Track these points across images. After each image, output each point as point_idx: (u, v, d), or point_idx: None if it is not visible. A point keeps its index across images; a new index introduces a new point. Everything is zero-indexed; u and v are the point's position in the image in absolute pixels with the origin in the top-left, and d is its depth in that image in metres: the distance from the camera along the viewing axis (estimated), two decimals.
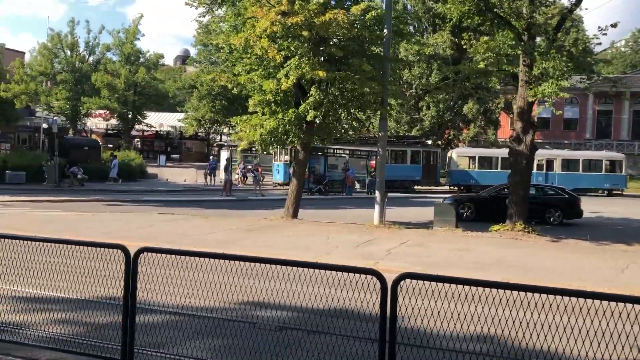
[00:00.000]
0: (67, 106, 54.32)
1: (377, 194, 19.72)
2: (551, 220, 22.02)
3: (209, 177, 38.01)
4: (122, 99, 54.12)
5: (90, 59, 57.26)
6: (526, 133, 17.71)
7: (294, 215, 20.16)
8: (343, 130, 19.63)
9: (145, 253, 5.33)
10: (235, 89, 19.62)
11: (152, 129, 61.48)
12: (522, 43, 16.90)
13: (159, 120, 61.95)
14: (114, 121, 59.18)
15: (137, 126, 58.97)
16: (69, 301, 7.16)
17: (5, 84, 55.51)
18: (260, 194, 31.20)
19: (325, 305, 5.91)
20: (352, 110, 18.49)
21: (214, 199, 28.79)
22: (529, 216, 21.45)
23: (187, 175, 41.73)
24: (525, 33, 17.07)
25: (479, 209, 22.05)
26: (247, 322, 7.32)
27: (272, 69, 18.89)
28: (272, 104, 18.97)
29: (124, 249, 5.32)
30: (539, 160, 39.61)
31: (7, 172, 32.22)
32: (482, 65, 18.06)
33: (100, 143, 48.37)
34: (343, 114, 18.26)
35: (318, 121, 19.01)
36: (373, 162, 36.05)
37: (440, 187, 41.63)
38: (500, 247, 14.90)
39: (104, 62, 57.30)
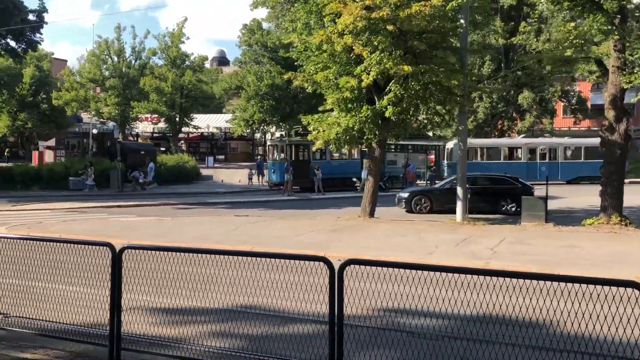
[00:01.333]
0: (117, 111, 55.04)
1: (459, 189, 19.13)
2: (506, 210, 21.79)
3: (255, 177, 38.22)
4: (170, 102, 54.61)
5: (137, 63, 57.86)
6: (619, 121, 16.87)
7: (371, 214, 19.74)
8: (421, 126, 19.05)
9: (350, 266, 4.96)
10: (310, 87, 19.24)
11: (199, 130, 61.86)
12: (615, 27, 16.06)
13: (205, 122, 62.32)
14: (161, 124, 59.74)
15: (183, 128, 59.42)
16: (227, 312, 6.90)
17: (57, 91, 56.73)
18: (322, 193, 30.86)
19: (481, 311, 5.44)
20: (432, 105, 17.92)
21: (277, 199, 28.61)
22: (481, 207, 21.53)
23: (240, 175, 41.80)
24: (618, 16, 16.22)
25: (434, 202, 22.05)
26: (403, 331, 6.95)
27: (346, 66, 18.55)
28: (348, 102, 18.60)
29: (326, 261, 4.96)
30: (541, 149, 38.49)
31: (70, 178, 32.70)
32: (569, 53, 17.27)
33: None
34: (423, 109, 17.71)
35: (394, 117, 18.51)
36: (432, 157, 35.42)
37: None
38: (609, 242, 14.19)
39: (150, 66, 57.85)
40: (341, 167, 35.07)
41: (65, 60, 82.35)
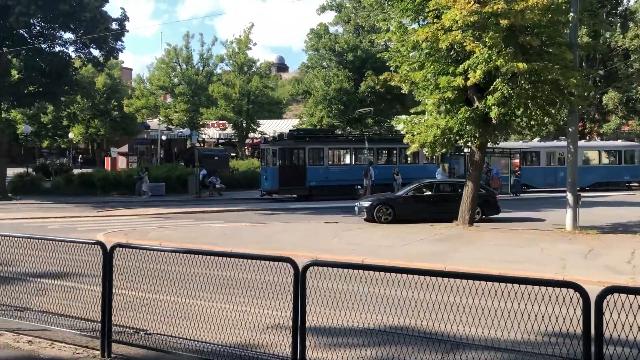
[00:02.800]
0: (186, 118, 55.76)
1: (569, 195, 17.78)
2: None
3: None
4: (237, 109, 54.85)
5: (204, 70, 58.52)
6: None
7: (470, 222, 18.64)
8: (529, 128, 17.84)
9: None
10: (406, 88, 18.37)
11: (265, 136, 61.98)
12: None
13: (271, 128, 62.33)
14: (229, 130, 60.18)
15: (249, 134, 59.65)
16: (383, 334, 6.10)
17: (128, 99, 58.09)
18: None
19: None
20: (542, 105, 16.68)
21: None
22: (444, 216, 19.95)
23: None
24: None
25: (396, 211, 20.74)
26: None
27: (443, 65, 17.59)
28: (448, 102, 17.63)
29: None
30: (560, 154, 35.70)
31: (148, 184, 32.95)
32: None
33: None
34: (533, 110, 16.50)
35: (495, 119, 17.37)
36: (517, 161, 33.81)
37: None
38: None
39: (218, 73, 58.43)
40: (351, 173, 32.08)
41: (130, 69, 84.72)
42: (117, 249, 6.14)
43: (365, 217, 20.95)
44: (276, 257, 5.37)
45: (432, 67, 17.56)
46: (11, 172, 32.95)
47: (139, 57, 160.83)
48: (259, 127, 58.29)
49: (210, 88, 54.17)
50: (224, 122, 58.73)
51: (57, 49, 29.56)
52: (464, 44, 15.15)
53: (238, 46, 56.47)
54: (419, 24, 18.82)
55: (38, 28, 29.01)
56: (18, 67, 31.80)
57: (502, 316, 4.84)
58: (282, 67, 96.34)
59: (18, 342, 6.72)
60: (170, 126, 58.48)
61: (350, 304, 5.98)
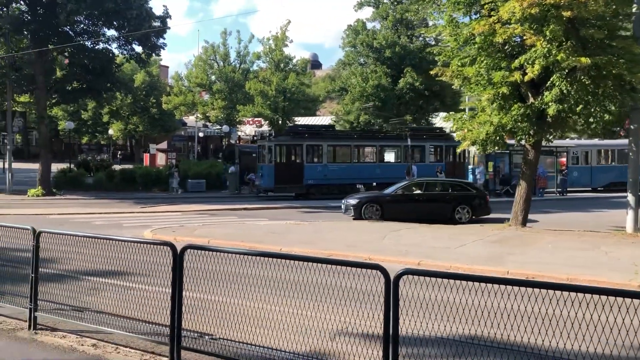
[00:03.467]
0: (223, 115, 55.92)
1: (630, 196, 16.97)
2: (460, 218, 20.33)
3: None
4: (273, 106, 54.74)
5: (241, 67, 58.59)
6: None
7: (523, 222, 17.96)
8: (587, 125, 17.05)
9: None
10: (457, 83, 17.80)
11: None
12: None
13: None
14: (265, 127, 60.18)
15: None
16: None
17: (166, 96, 58.59)
18: None
19: None
20: (604, 102, 15.89)
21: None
22: (433, 216, 19.89)
23: None
24: None
25: (385, 209, 20.29)
26: None
27: (496, 60, 16.96)
28: (502, 98, 17.00)
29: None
30: (573, 153, 34.25)
31: (188, 180, 33.04)
32: None
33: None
34: (593, 107, 15.73)
35: (552, 116, 16.64)
36: (563, 160, 32.75)
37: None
38: None
39: (255, 70, 58.46)
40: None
41: (167, 67, 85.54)
42: (188, 250, 5.83)
43: (352, 215, 20.48)
44: (365, 263, 4.94)
45: (485, 62, 16.94)
46: (53, 167, 33.39)
47: (174, 54, 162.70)
48: (294, 124, 58.10)
49: (247, 85, 54.20)
50: (260, 119, 58.75)
51: (101, 46, 29.79)
52: (524, 38, 14.51)
53: (275, 43, 56.33)
54: (470, 18, 18.19)
55: (82, 25, 29.26)
56: (61, 64, 32.26)
57: (595, 329, 4.36)
58: (315, 64, 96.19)
59: (82, 345, 6.51)
60: (208, 123, 58.78)
61: (435, 313, 5.55)
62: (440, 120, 55.23)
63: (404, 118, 46.34)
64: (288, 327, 5.79)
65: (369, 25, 53.39)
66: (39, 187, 28.74)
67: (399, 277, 4.67)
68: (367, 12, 55.02)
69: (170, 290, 5.92)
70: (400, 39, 49.55)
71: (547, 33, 14.37)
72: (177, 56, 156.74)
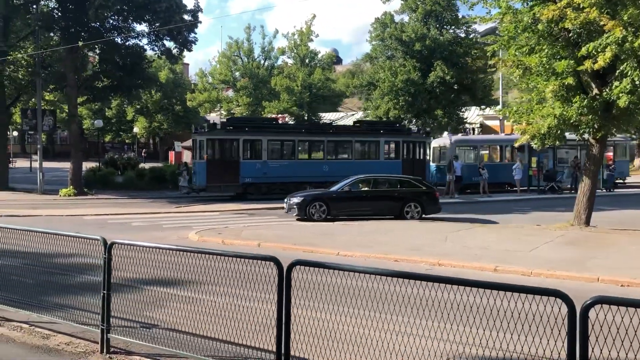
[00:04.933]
0: (248, 112, 55.19)
1: None
2: (409, 216, 19.40)
3: None
4: (299, 101, 53.93)
5: (266, 63, 57.81)
6: None
7: (587, 222, 16.84)
8: None
9: None
10: (517, 73, 16.72)
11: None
12: None
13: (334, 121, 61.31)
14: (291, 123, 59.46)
15: None
16: None
17: (191, 93, 58.06)
18: (487, 195, 28.11)
19: None
20: None
21: (444, 201, 26.18)
22: (383, 212, 19.37)
23: None
24: None
25: (331, 207, 19.27)
26: None
27: (557, 48, 15.87)
28: (565, 90, 15.90)
29: None
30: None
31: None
32: None
33: None
34: None
35: (620, 109, 15.49)
36: (610, 154, 31.43)
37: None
38: None
39: (280, 66, 57.69)
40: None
41: (187, 64, 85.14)
42: (297, 267, 4.95)
43: (296, 214, 19.36)
44: (544, 290, 3.96)
45: (546, 50, 15.85)
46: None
47: (192, 52, 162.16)
48: (320, 120, 57.23)
49: (272, 81, 53.45)
50: (285, 115, 57.96)
51: (131, 42, 29.17)
52: (602, 24, 13.39)
53: (300, 38, 55.49)
54: (528, 4, 17.09)
55: (112, 21, 28.65)
56: (85, 61, 31.70)
57: None
58: (336, 59, 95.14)
59: None
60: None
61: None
62: (473, 114, 54.33)
63: (436, 113, 45.21)
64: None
65: (397, 18, 52.30)
66: (70, 186, 28.24)
67: (590, 306, 3.71)
68: (395, 4, 53.81)
69: (274, 310, 5.06)
70: (430, 31, 48.37)
71: (625, 17, 13.26)
72: (195, 54, 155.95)
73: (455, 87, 47.67)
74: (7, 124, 34.35)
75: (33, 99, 33.64)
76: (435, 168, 31.83)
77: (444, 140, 33.66)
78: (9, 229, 7.67)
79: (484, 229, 16.65)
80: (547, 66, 15.84)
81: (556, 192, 28.60)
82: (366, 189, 20.16)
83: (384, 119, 49.78)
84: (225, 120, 30.78)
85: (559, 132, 16.60)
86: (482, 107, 50.99)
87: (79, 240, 6.73)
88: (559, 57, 15.77)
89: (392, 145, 29.94)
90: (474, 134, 52.07)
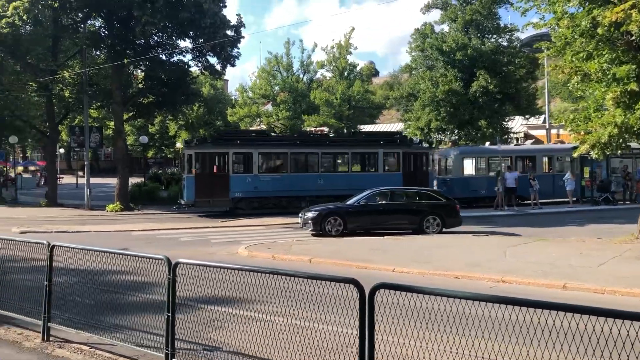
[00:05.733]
0: (287, 125, 55.28)
1: None
2: (428, 229, 18.83)
3: None
4: (338, 114, 53.76)
5: (305, 77, 57.91)
6: None
7: None
8: None
9: None
10: (575, 80, 16.02)
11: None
12: None
13: None
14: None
15: None
16: None
17: (231, 108, 58.56)
18: (538, 206, 27.13)
19: None
20: None
21: (493, 214, 25.44)
22: (401, 225, 18.94)
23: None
24: None
25: (347, 222, 18.73)
26: None
27: (620, 53, 15.13)
28: (627, 96, 15.14)
29: None
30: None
31: None
32: None
33: None
34: None
35: None
36: None
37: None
38: None
39: (318, 79, 57.77)
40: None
41: (227, 80, 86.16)
42: (381, 291, 4.55)
43: (311, 229, 18.76)
44: None
45: (606, 55, 15.15)
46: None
47: (230, 67, 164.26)
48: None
49: (312, 95, 53.45)
50: (324, 128, 57.84)
51: (175, 58, 29.50)
52: None
53: (338, 51, 55.47)
54: (583, 8, 16.42)
55: (156, 38, 29.03)
56: (130, 78, 32.19)
57: None
58: (373, 72, 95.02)
59: None
60: (272, 134, 58.30)
61: None
62: (517, 124, 53.12)
63: (479, 123, 44.28)
64: None
65: (437, 29, 51.74)
66: (117, 202, 28.55)
67: None
68: (435, 15, 53.29)
69: (350, 334, 4.68)
70: (471, 40, 47.59)
71: None
72: (232, 70, 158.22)
73: (499, 97, 46.68)
74: (56, 141, 35.13)
75: (80, 117, 34.35)
76: (441, 181, 30.40)
77: (447, 151, 32.76)
78: (68, 247, 7.51)
79: (543, 243, 15.92)
80: (607, 72, 15.15)
81: (610, 203, 27.41)
82: (383, 202, 19.58)
83: (425, 130, 49.16)
84: (214, 133, 29.86)
85: (620, 140, 15.81)
86: (527, 116, 49.87)
87: (141, 259, 6.50)
88: (619, 62, 15.08)
89: (393, 157, 28.69)
90: (517, 144, 50.98)
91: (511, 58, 46.54)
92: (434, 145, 40.73)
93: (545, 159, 31.61)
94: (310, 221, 18.76)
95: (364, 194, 19.68)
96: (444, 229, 18.98)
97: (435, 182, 29.84)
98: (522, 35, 49.07)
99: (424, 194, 20.54)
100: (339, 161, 28.56)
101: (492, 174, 29.31)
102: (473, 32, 48.06)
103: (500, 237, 17.79)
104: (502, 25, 48.83)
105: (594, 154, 17.25)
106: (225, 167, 26.13)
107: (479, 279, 11.37)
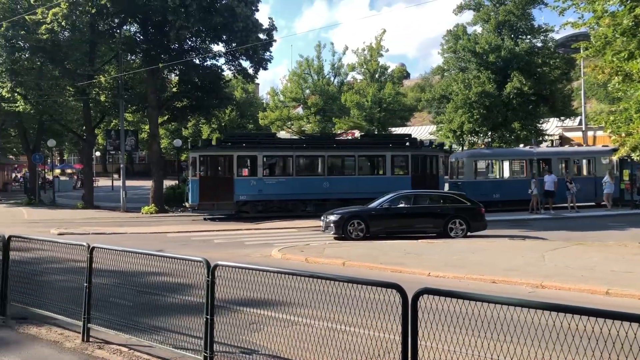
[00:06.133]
0: (318, 128, 55.35)
1: None
2: (453, 233, 18.56)
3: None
4: (369, 117, 53.58)
5: (336, 80, 57.91)
6: None
7: None
8: None
9: None
10: (617, 80, 15.60)
11: None
12: None
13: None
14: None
15: None
16: None
17: (262, 112, 58.97)
18: (575, 210, 26.50)
19: None
20: None
21: (526, 218, 24.97)
22: (426, 231, 18.82)
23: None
24: None
25: (370, 225, 18.58)
26: None
27: None
28: None
29: None
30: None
31: None
32: None
33: None
34: None
35: None
36: None
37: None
38: None
39: (349, 82, 57.71)
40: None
41: (258, 84, 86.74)
42: (424, 296, 4.46)
43: (333, 232, 18.53)
44: None
45: None
46: None
47: (262, 70, 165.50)
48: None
49: (342, 97, 53.40)
50: (355, 131, 57.73)
51: (208, 62, 29.82)
52: None
53: (370, 53, 55.30)
54: (625, 6, 15.99)
55: (190, 43, 29.39)
56: (164, 82, 32.63)
57: None
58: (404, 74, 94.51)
59: None
60: (303, 137, 58.48)
61: None
62: (552, 126, 52.12)
63: (513, 125, 43.57)
64: None
65: (470, 30, 51.16)
66: (152, 204, 28.95)
67: None
68: (467, 16, 52.70)
69: (392, 340, 4.60)
70: (505, 42, 46.90)
71: None
72: (262, 73, 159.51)
73: (533, 98, 45.87)
74: (93, 144, 35.85)
75: (115, 120, 35.02)
76: (452, 184, 29.45)
77: (459, 154, 32.01)
78: (107, 249, 7.61)
79: (583, 247, 15.52)
80: None
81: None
82: (407, 205, 19.30)
83: (458, 133, 48.60)
84: (219, 136, 29.55)
85: None
86: (562, 118, 48.94)
87: (180, 261, 6.53)
88: None
89: (401, 160, 28.03)
90: (552, 146, 50.03)
91: (546, 59, 45.70)
92: (452, 149, 39.97)
93: (564, 163, 30.67)
94: (332, 224, 18.66)
95: (387, 197, 19.52)
96: (468, 233, 18.71)
97: (447, 186, 29.30)
98: (557, 36, 47.99)
99: (448, 197, 20.30)
100: (345, 164, 28.20)
101: (503, 176, 28.81)
102: (506, 33, 47.37)
103: (538, 241, 17.41)
104: (536, 25, 48.01)
105: (635, 156, 16.80)
106: (230, 170, 25.98)
107: (516, 284, 11.13)
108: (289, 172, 26.88)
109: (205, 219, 26.45)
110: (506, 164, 31.83)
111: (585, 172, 29.73)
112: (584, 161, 28.94)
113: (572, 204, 26.60)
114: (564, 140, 53.97)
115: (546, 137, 49.76)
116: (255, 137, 30.72)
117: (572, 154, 31.34)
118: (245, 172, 26.56)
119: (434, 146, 29.99)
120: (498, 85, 46.14)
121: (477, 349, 4.68)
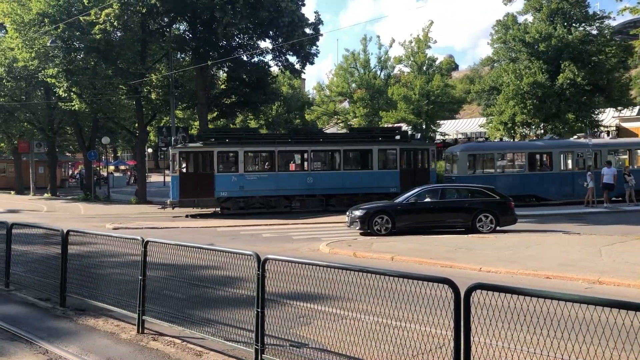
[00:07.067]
0: (365, 122, 55.10)
1: None
2: (481, 228, 18.17)
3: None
4: (416, 110, 52.91)
5: (382, 73, 57.46)
6: None
7: None
8: None
9: None
10: None
11: (445, 137, 59.30)
12: None
13: (453, 128, 59.67)
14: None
15: (431, 135, 57.34)
16: None
17: (309, 107, 59.21)
18: (634, 203, 25.47)
19: None
20: None
21: (580, 211, 24.14)
22: (453, 224, 18.68)
23: None
24: None
25: (396, 220, 18.25)
26: None
27: None
28: None
29: None
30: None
31: None
32: None
33: None
34: None
35: None
36: None
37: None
38: None
39: (396, 75, 57.17)
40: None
41: (304, 79, 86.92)
42: (477, 291, 4.36)
43: (359, 228, 18.13)
44: None
45: None
46: None
47: (309, 65, 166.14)
48: (439, 128, 55.79)
49: (389, 91, 52.93)
50: (402, 124, 57.16)
51: (256, 59, 30.11)
52: None
53: (417, 45, 54.55)
54: None
55: (237, 40, 29.73)
56: (214, 79, 33.14)
57: None
58: (452, 66, 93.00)
59: None
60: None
61: None
62: (608, 116, 50.26)
63: (567, 116, 42.21)
64: None
65: (520, 19, 49.82)
66: None
67: None
68: (517, 5, 51.31)
69: (444, 336, 4.52)
70: (557, 30, 45.41)
71: None
72: (308, 68, 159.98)
73: (588, 88, 44.29)
74: (145, 141, 36.81)
75: (167, 117, 35.85)
76: (447, 179, 28.26)
77: (453, 148, 30.77)
78: (161, 243, 7.79)
79: (637, 242, 14.89)
80: None
81: None
82: (434, 200, 18.87)
83: (509, 125, 47.46)
84: (200, 133, 29.00)
85: None
86: (619, 108, 47.12)
87: (231, 255, 6.62)
88: None
89: (389, 154, 27.27)
90: (608, 137, 48.22)
91: (601, 47, 44.00)
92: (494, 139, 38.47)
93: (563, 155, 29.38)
94: (357, 220, 18.45)
95: (413, 191, 19.25)
96: (497, 227, 18.27)
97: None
98: (614, 23, 46.14)
99: (476, 190, 19.65)
100: (329, 159, 27.55)
101: (497, 170, 27.82)
102: (559, 21, 45.89)
103: (593, 235, 16.80)
104: (591, 12, 46.28)
105: None
106: (211, 166, 25.63)
107: (572, 280, 10.79)
108: (270, 168, 26.65)
109: (187, 216, 26.35)
110: (508, 157, 31.00)
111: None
112: (589, 154, 27.52)
113: (630, 197, 25.57)
114: (621, 131, 51.94)
115: (602, 128, 48.01)
116: (236, 132, 30.70)
117: (576, 147, 29.89)
118: (226, 168, 26.34)
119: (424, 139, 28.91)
120: (550, 75, 44.82)
121: (533, 346, 4.56)
